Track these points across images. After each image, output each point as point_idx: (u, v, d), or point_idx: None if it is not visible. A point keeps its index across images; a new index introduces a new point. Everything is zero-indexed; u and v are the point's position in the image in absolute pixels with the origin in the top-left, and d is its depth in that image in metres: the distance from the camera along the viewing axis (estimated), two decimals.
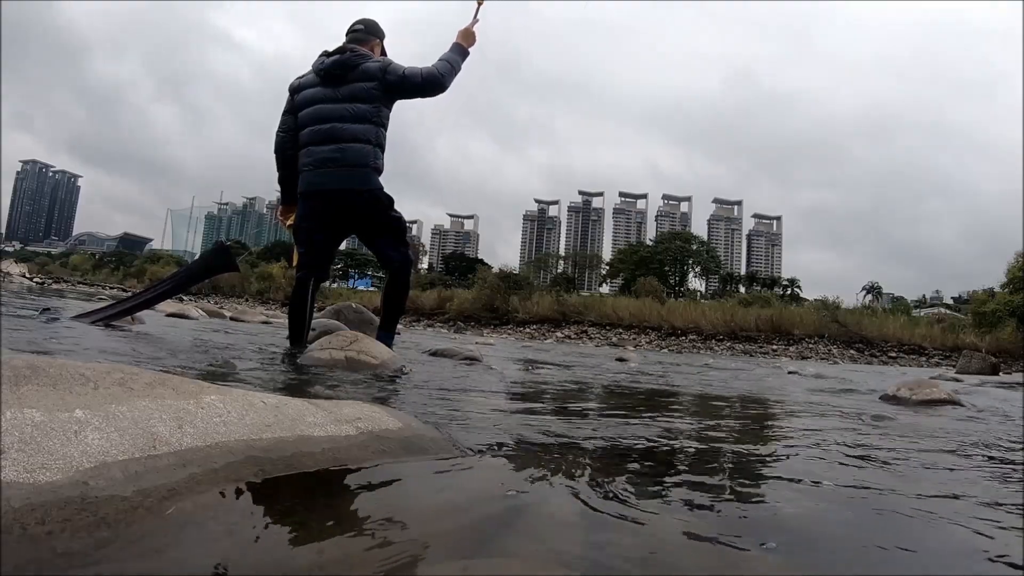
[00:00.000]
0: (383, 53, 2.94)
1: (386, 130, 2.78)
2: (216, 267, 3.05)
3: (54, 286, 18.95)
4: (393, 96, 2.78)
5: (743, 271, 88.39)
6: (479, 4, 2.92)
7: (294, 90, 2.86)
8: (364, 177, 2.69)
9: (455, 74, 2.81)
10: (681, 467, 1.00)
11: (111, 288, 22.48)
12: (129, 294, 3.26)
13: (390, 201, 2.81)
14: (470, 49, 2.88)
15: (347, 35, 2.92)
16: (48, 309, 3.22)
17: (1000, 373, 7.96)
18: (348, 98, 2.72)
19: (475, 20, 2.90)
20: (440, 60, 2.80)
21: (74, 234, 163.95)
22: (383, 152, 2.76)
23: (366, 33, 2.90)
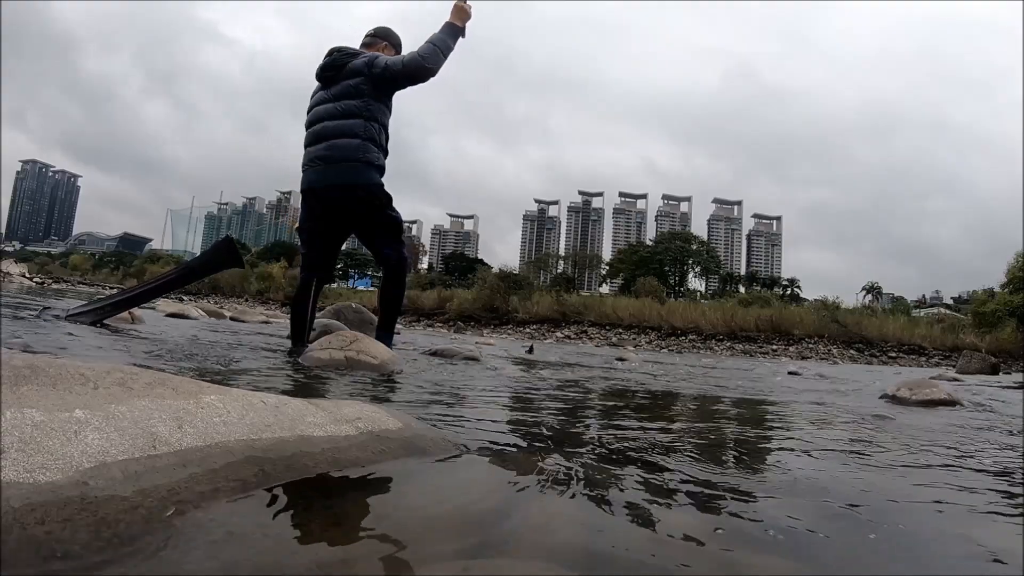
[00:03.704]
0: None
1: (380, 123, 2.77)
2: (221, 262, 3.05)
3: (54, 286, 18.94)
4: (383, 88, 2.76)
5: (743, 271, 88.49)
6: None
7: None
8: (355, 172, 2.69)
9: (442, 54, 2.73)
10: (681, 466, 1.00)
11: (111, 288, 22.47)
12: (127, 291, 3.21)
13: (388, 199, 2.80)
14: (466, 24, 2.81)
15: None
16: (48, 308, 3.22)
17: (1000, 373, 7.96)
18: (337, 97, 2.75)
19: None
20: (425, 43, 2.74)
21: (74, 234, 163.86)
22: (377, 145, 2.74)
23: (373, 37, 2.96)
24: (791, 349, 16.07)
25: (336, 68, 2.78)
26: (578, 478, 0.85)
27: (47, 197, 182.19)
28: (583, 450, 1.07)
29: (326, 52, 2.87)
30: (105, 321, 2.87)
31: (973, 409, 2.41)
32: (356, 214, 2.77)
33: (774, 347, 16.30)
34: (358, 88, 2.73)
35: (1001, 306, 16.04)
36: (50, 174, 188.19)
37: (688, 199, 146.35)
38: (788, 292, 45.72)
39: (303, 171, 2.79)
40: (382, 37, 2.97)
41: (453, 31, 2.78)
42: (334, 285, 33.48)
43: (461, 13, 2.80)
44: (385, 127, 2.81)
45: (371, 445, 0.81)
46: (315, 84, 2.91)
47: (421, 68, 2.70)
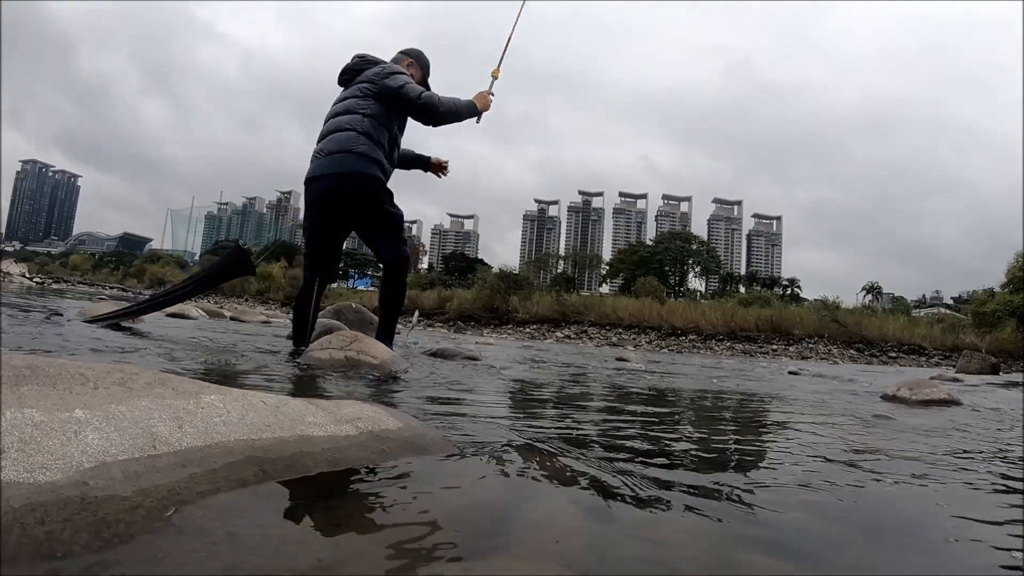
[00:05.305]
0: (422, 80, 3.05)
1: (379, 122, 2.79)
2: (235, 270, 3.06)
3: (54, 286, 18.94)
4: (387, 100, 2.81)
5: (743, 271, 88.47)
6: (494, 79, 3.11)
7: None
8: (348, 161, 2.72)
9: (454, 114, 2.88)
10: (681, 465, 1.00)
11: (111, 288, 22.47)
12: (144, 295, 3.19)
13: (387, 194, 2.82)
14: (482, 111, 3.00)
15: None
16: (60, 314, 3.22)
17: (1000, 373, 7.96)
18: (345, 97, 2.86)
19: (491, 93, 3.05)
20: (449, 96, 2.88)
21: (74, 234, 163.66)
22: (374, 140, 2.76)
23: (401, 54, 3.09)
24: (791, 349, 16.05)
25: (354, 72, 2.91)
26: (578, 477, 0.85)
27: (47, 197, 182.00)
28: (583, 449, 1.06)
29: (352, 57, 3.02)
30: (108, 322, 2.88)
31: (973, 409, 2.41)
32: (354, 209, 2.78)
33: (774, 347, 16.28)
34: (363, 90, 2.82)
35: (1001, 306, 16.00)
36: (50, 174, 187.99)
37: (688, 199, 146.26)
38: (788, 292, 45.73)
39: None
40: (408, 55, 3.11)
41: (471, 107, 2.95)
42: (334, 285, 33.49)
43: (484, 101, 3.01)
44: (387, 128, 2.82)
45: (371, 445, 0.81)
46: (323, 93, 3.02)
47: (432, 106, 2.80)
